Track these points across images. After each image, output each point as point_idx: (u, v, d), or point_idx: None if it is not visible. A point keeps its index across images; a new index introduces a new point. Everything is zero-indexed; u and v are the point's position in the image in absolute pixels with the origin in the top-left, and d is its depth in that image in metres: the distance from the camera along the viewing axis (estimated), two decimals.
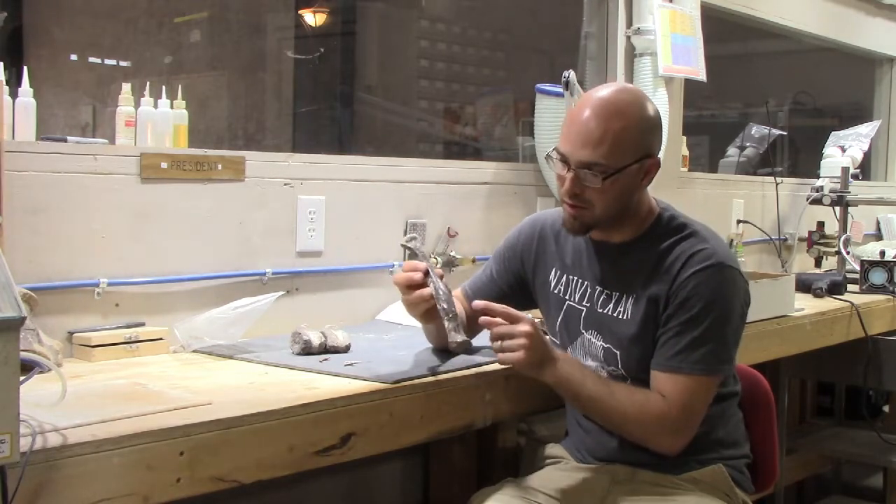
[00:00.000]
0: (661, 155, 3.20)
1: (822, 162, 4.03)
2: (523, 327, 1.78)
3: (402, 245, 1.99)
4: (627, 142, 1.81)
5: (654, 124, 1.88)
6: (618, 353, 1.90)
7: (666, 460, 1.89)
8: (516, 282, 2.10)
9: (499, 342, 1.80)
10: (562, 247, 2.03)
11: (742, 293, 1.89)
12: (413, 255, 1.93)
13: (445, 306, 1.88)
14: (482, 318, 1.82)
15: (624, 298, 1.90)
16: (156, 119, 2.22)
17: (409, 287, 1.88)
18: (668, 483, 1.88)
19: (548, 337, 2.04)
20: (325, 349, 2.03)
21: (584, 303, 1.96)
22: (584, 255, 1.98)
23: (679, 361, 1.82)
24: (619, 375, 1.91)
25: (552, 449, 2.06)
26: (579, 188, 1.83)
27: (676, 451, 1.85)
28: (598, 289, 1.94)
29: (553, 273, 2.03)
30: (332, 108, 5.38)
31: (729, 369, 1.92)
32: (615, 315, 1.91)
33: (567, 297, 1.99)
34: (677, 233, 1.90)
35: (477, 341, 2.02)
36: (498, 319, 1.80)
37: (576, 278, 1.98)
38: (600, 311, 1.93)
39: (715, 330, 1.82)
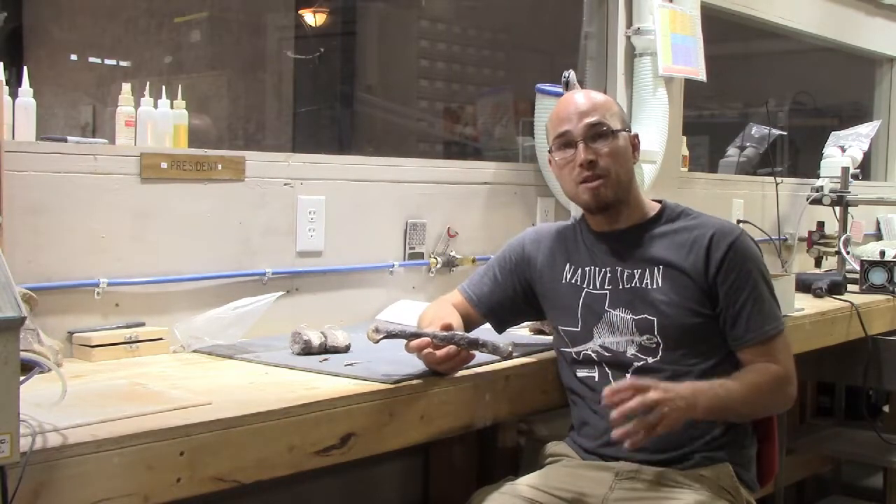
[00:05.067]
0: (660, 153, 3.21)
1: (822, 162, 4.03)
2: (654, 394, 1.73)
3: (379, 339, 1.80)
4: (612, 110, 2.04)
5: (621, 108, 2.12)
6: (655, 319, 1.95)
7: (675, 453, 1.91)
8: (521, 285, 2.12)
9: (640, 417, 1.72)
10: (571, 247, 2.09)
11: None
12: (394, 335, 1.82)
13: (474, 340, 1.84)
14: (616, 413, 1.72)
15: (649, 271, 1.99)
16: (156, 119, 2.22)
17: (448, 358, 1.84)
18: (672, 480, 1.88)
19: (562, 328, 2.06)
20: (325, 349, 2.03)
21: (605, 287, 2.01)
22: (597, 248, 2.06)
23: (768, 328, 1.96)
24: (654, 343, 1.95)
25: (555, 447, 2.06)
26: (592, 153, 1.97)
27: (791, 406, 2.03)
28: (619, 269, 2.01)
29: (567, 268, 2.07)
30: (332, 108, 5.38)
31: None
32: (644, 286, 1.98)
33: (585, 286, 2.03)
34: (685, 215, 2.05)
35: (482, 333, 2.01)
36: (630, 404, 1.72)
37: (593, 268, 2.04)
38: (628, 286, 1.99)
39: (767, 288, 2.00)
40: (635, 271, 1.99)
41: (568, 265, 2.07)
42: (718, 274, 1.95)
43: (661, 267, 1.97)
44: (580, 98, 2.05)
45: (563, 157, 2.01)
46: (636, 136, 2.08)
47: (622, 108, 2.10)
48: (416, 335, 1.83)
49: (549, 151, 2.06)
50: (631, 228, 2.03)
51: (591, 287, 2.02)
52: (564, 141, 2.00)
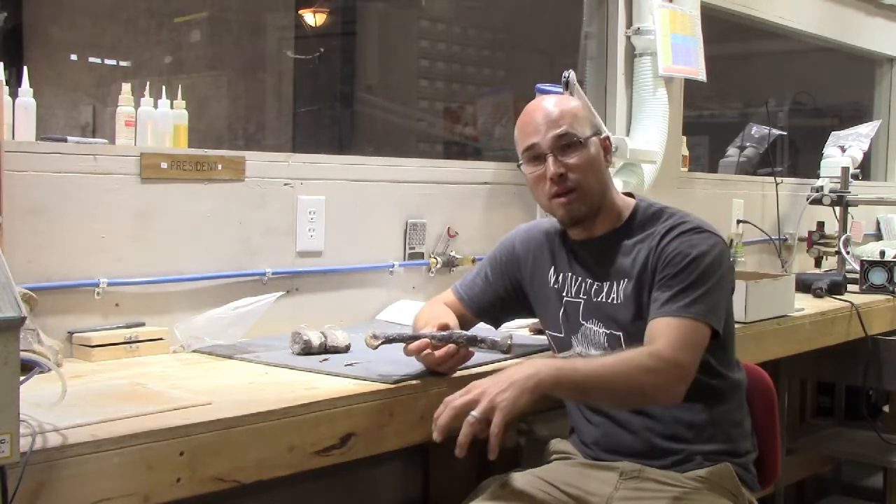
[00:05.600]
0: (660, 153, 3.21)
1: (822, 162, 4.03)
2: (461, 399, 1.60)
3: (377, 345, 1.80)
4: (580, 116, 1.95)
5: (590, 108, 2.01)
6: (620, 334, 1.93)
7: (674, 457, 1.90)
8: (512, 286, 2.11)
9: (471, 416, 1.59)
10: (557, 251, 2.07)
11: (726, 255, 1.93)
12: (392, 340, 1.82)
13: (472, 337, 1.84)
14: (437, 435, 1.62)
15: (616, 285, 1.94)
16: (156, 119, 2.22)
17: (447, 357, 1.84)
18: (676, 481, 1.88)
19: (548, 332, 2.06)
20: (325, 349, 2.03)
21: (580, 295, 1.99)
22: (574, 256, 2.03)
23: (669, 306, 1.82)
24: None
25: (559, 444, 2.06)
26: (562, 166, 1.90)
27: (679, 397, 1.77)
28: (589, 281, 1.99)
29: (551, 271, 2.06)
30: (332, 108, 5.38)
31: (718, 322, 1.87)
32: (610, 301, 1.94)
33: (564, 294, 2.02)
34: (656, 218, 1.97)
35: (479, 330, 2.01)
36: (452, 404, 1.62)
37: (570, 275, 2.02)
38: (596, 300, 1.96)
39: (703, 280, 1.84)
40: (604, 284, 1.96)
41: (552, 269, 2.05)
42: (658, 256, 1.88)
43: (625, 280, 1.93)
44: (547, 107, 1.95)
45: (532, 172, 1.95)
46: (607, 137, 2.00)
47: (592, 111, 2.01)
48: (414, 338, 1.83)
49: (518, 165, 2.00)
50: (605, 236, 1.98)
51: (569, 295, 2.01)
52: (533, 154, 1.93)
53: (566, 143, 1.91)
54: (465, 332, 1.87)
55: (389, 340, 1.81)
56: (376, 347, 1.81)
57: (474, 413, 1.57)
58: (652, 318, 1.84)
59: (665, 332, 1.79)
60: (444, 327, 1.89)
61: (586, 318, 1.98)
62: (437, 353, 1.82)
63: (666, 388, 1.76)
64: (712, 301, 1.85)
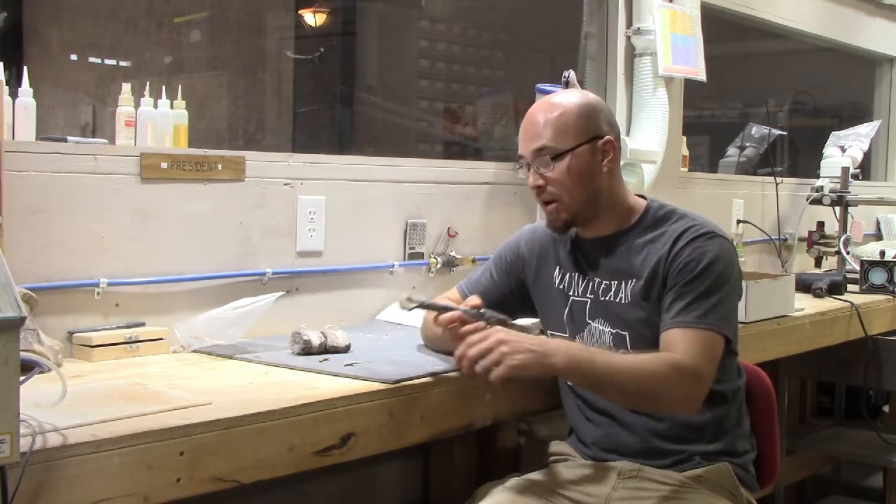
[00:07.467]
0: (660, 153, 3.20)
1: (822, 162, 4.04)
2: (495, 336, 1.73)
3: (412, 308, 1.86)
4: (567, 125, 1.92)
5: (594, 108, 1.97)
6: (626, 334, 1.93)
7: (673, 457, 1.90)
8: (517, 286, 2.12)
9: (481, 361, 1.71)
10: (560, 251, 2.07)
11: (737, 260, 1.96)
12: (427, 306, 1.86)
13: (503, 320, 1.86)
14: (459, 352, 1.74)
15: (623, 284, 1.95)
16: (156, 119, 2.22)
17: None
18: (674, 481, 1.88)
19: (551, 332, 2.06)
20: (325, 349, 2.03)
21: (587, 294, 2.00)
22: (581, 254, 2.03)
23: (685, 317, 1.84)
24: None
25: (557, 446, 2.06)
26: (540, 179, 1.93)
27: (693, 410, 1.83)
28: (597, 280, 1.99)
29: (556, 272, 2.06)
30: (332, 108, 5.38)
31: (731, 331, 1.90)
32: (617, 300, 1.95)
33: (570, 293, 2.02)
34: (667, 219, 1.98)
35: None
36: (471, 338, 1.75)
37: (577, 274, 2.03)
38: (603, 298, 1.97)
39: (717, 288, 1.86)
40: (611, 283, 1.96)
41: (557, 269, 2.06)
42: (671, 262, 1.89)
43: (633, 280, 1.93)
44: (535, 115, 1.96)
45: (522, 174, 1.99)
46: (608, 140, 1.94)
47: (585, 114, 1.94)
48: (447, 308, 1.85)
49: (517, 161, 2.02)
50: (614, 235, 1.98)
51: (575, 294, 2.01)
52: (523, 163, 1.98)
53: (543, 156, 1.92)
54: (496, 313, 1.88)
55: (424, 306, 1.85)
56: (410, 310, 1.83)
57: (483, 363, 1.69)
58: (668, 328, 1.85)
59: (684, 343, 1.81)
60: (478, 307, 1.90)
61: (592, 318, 1.98)
62: (466, 327, 1.83)
63: (682, 401, 1.81)
64: (726, 310, 1.88)
